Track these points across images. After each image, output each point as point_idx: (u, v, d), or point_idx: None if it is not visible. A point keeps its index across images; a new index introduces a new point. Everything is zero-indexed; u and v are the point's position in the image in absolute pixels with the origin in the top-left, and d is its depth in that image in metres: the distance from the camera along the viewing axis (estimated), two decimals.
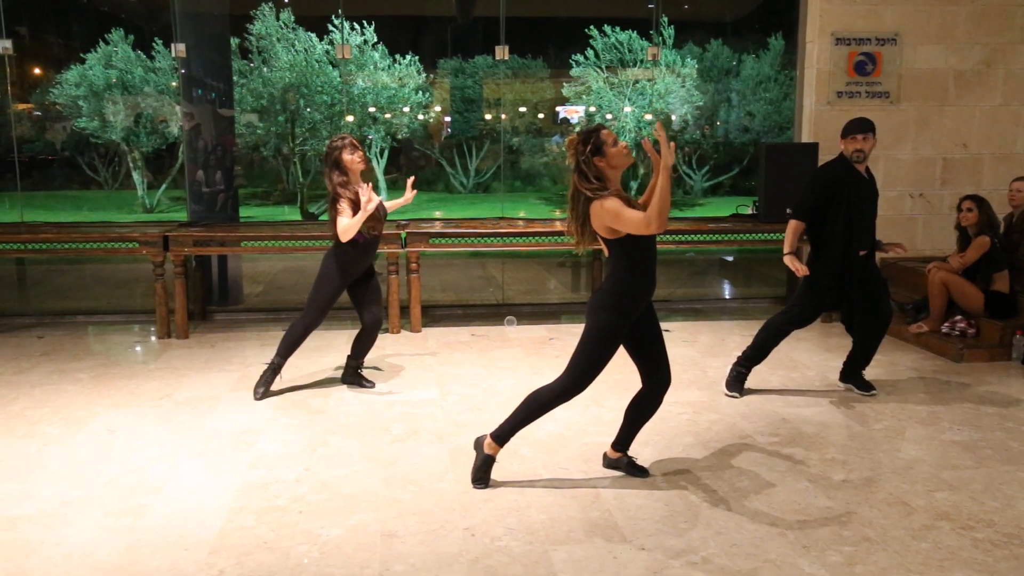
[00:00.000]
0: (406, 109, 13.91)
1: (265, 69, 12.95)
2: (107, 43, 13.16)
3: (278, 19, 12.72)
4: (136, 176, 14.03)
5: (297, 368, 5.69)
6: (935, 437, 4.43)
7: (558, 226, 7.10)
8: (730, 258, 10.49)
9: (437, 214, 13.63)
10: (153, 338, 6.59)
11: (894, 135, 7.55)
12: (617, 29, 13.97)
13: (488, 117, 15.72)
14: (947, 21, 7.45)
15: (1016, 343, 5.83)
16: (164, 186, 14.18)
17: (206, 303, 7.42)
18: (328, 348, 6.23)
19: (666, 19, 12.23)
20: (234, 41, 11.39)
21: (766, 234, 6.97)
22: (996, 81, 7.56)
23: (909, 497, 3.68)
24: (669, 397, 5.00)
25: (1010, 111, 7.43)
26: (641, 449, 4.16)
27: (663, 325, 6.88)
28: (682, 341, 6.44)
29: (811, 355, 6.04)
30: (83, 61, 13.18)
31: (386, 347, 6.19)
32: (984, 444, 4.32)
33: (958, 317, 6.01)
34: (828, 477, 3.90)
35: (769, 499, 3.65)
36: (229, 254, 7.60)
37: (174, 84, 12.02)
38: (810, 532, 3.35)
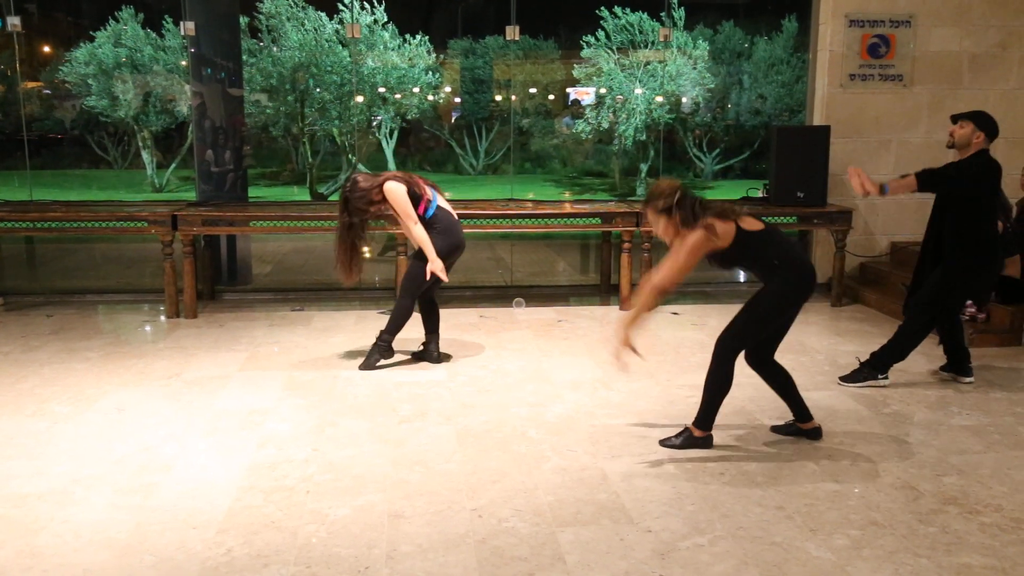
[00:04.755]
0: (416, 90, 13.84)
1: (275, 48, 12.90)
2: (117, 21, 13.12)
3: None
4: (145, 155, 14.03)
5: (306, 349, 5.71)
6: (943, 422, 4.41)
7: (567, 208, 7.08)
8: None
9: (446, 195, 13.59)
10: (162, 317, 6.61)
11: (907, 118, 7.49)
12: (628, 11, 13.86)
13: (498, 98, 15.65)
14: (963, 3, 7.37)
15: None
16: (173, 165, 14.17)
17: (215, 283, 7.44)
18: (336, 329, 6.24)
19: (676, 0, 12.12)
20: (243, 20, 11.34)
21: (776, 217, 6.92)
22: (1011, 64, 7.48)
23: (917, 481, 3.67)
24: (678, 380, 5.02)
25: (1020, 95, 7.35)
26: (648, 431, 4.16)
27: (672, 308, 6.92)
28: (691, 324, 6.42)
29: (820, 339, 6.02)
30: (92, 39, 13.15)
31: None
32: (993, 429, 4.30)
33: (968, 302, 5.97)
34: (836, 461, 3.89)
35: (776, 482, 3.65)
36: (238, 234, 7.60)
37: (183, 63, 11.99)
38: (817, 516, 3.35)
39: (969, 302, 5.94)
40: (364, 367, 5.20)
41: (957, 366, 5.09)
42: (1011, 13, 7.36)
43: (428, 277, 5.08)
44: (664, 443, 4.02)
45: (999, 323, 5.93)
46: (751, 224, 3.80)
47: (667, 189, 3.77)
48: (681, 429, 4.06)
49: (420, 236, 5.04)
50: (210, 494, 3.51)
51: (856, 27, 7.35)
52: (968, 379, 5.04)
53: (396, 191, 5.01)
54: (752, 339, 3.93)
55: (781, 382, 4.07)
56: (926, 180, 4.72)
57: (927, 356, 5.54)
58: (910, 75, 7.44)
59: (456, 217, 5.27)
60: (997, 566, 2.98)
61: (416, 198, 5.07)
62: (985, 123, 4.78)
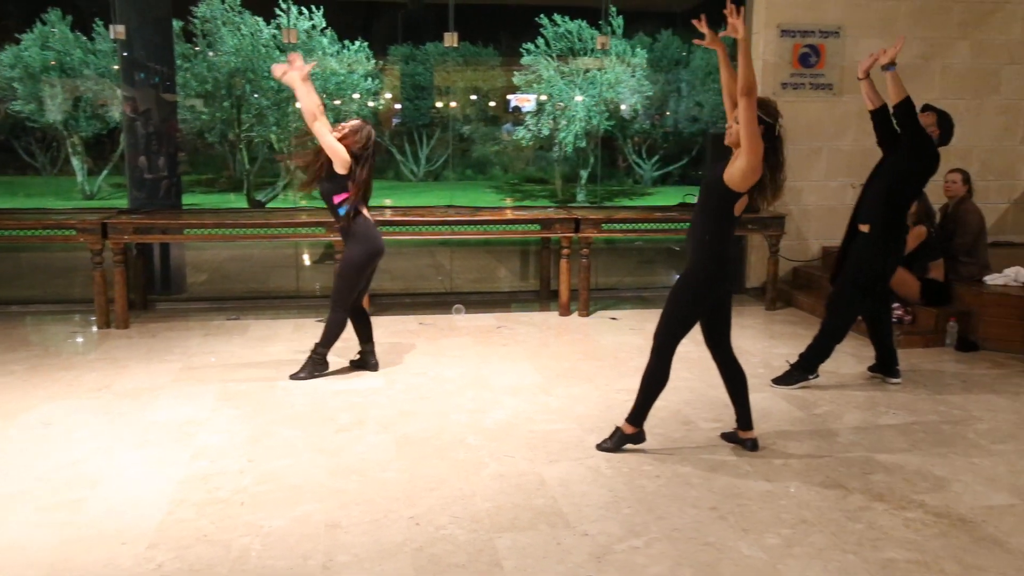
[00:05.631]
0: (356, 96, 13.76)
1: (210, 53, 12.70)
2: (44, 23, 12.78)
3: (223, 2, 12.47)
4: (75, 161, 13.68)
5: (242, 358, 5.63)
6: (872, 422, 4.54)
7: (507, 214, 7.10)
8: (678, 247, 10.58)
9: (387, 202, 13.52)
10: (93, 328, 6.44)
11: (837, 126, 7.69)
12: (567, 18, 13.98)
13: (439, 105, 15.64)
14: (887, 15, 7.60)
15: (950, 329, 6.00)
16: (105, 172, 13.84)
17: (147, 292, 7.28)
18: (274, 338, 6.16)
19: (615, 9, 12.26)
20: (177, 24, 11.13)
21: None
22: (934, 74, 7.74)
23: (846, 480, 3.77)
24: (616, 384, 5.06)
25: (947, 105, 7.52)
26: (587, 436, 4.19)
27: (610, 313, 6.99)
28: (629, 329, 6.49)
29: (755, 342, 6.14)
30: (18, 42, 12.78)
31: None
32: (918, 428, 4.44)
33: (895, 304, 6.15)
34: (768, 461, 3.97)
35: (710, 484, 3.71)
36: (172, 242, 7.46)
37: (115, 67, 11.72)
38: (750, 515, 3.41)
39: (896, 304, 6.12)
40: (296, 378, 5.13)
41: (885, 367, 5.24)
42: (933, 26, 7.62)
43: (279, 74, 4.93)
44: (600, 447, 4.05)
45: (924, 325, 6.12)
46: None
47: (775, 110, 3.82)
48: (613, 430, 4.10)
49: (320, 131, 4.89)
50: (140, 508, 3.43)
51: (788, 37, 7.53)
52: (895, 380, 5.19)
53: (357, 129, 4.96)
54: (684, 327, 3.90)
55: (734, 380, 4.09)
56: (898, 112, 4.83)
57: (856, 357, 5.69)
58: (839, 84, 7.64)
59: (374, 222, 5.17)
60: (920, 560, 3.07)
61: (343, 183, 4.94)
62: (945, 122, 5.01)
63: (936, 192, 6.49)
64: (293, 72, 4.91)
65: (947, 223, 6.39)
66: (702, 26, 3.85)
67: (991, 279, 6.19)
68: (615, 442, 4.03)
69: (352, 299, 5.17)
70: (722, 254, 3.85)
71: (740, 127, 3.65)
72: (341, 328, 5.17)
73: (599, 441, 4.10)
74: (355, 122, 5.05)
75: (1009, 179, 8.12)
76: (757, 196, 3.85)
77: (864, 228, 5.00)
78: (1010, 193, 8.14)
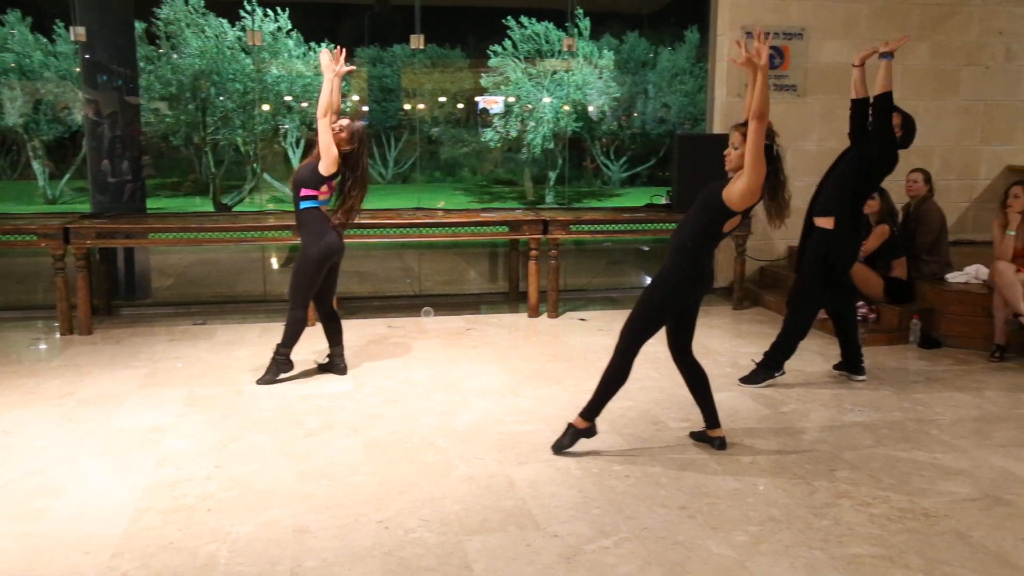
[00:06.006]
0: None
1: (174, 55, 12.55)
2: (3, 25, 12.56)
3: (187, 3, 12.33)
4: (36, 165, 13.45)
5: (209, 363, 5.57)
6: (838, 419, 4.59)
7: (481, 216, 7.09)
8: (646, 248, 10.66)
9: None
10: (56, 335, 6.34)
11: (801, 127, 7.78)
12: (534, 20, 13.99)
13: (407, 107, 15.59)
14: (850, 17, 7.71)
15: (913, 327, 6.08)
16: (67, 176, 13.63)
17: (111, 297, 7.18)
18: (241, 342, 6.10)
19: (582, 11, 12.30)
20: (140, 26, 10.99)
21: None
22: (895, 76, 7.76)
23: (812, 477, 3.81)
24: (585, 385, 5.06)
25: (908, 105, 7.64)
26: (555, 437, 4.19)
27: (579, 314, 7.01)
28: (597, 330, 6.51)
29: (723, 342, 6.19)
30: None
31: (301, 339, 6.07)
32: (882, 424, 4.50)
33: (860, 303, 6.23)
34: (736, 460, 4.00)
35: (680, 483, 3.73)
36: (136, 246, 7.36)
37: (77, 70, 11.55)
38: (718, 514, 3.43)
39: (861, 302, 6.20)
40: (262, 382, 5.09)
41: (850, 365, 5.30)
42: (894, 28, 7.73)
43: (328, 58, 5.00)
44: (556, 447, 4.04)
45: (888, 323, 6.21)
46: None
47: (772, 131, 3.87)
48: (565, 428, 4.09)
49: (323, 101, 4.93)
50: (104, 517, 3.38)
51: (752, 39, 7.58)
52: (861, 377, 5.26)
53: (354, 128, 5.01)
54: (652, 327, 3.92)
55: (697, 382, 4.12)
56: (878, 104, 4.91)
57: (823, 356, 5.75)
58: (803, 85, 7.73)
59: (328, 221, 5.10)
60: (885, 555, 3.11)
61: (318, 181, 4.95)
62: (908, 125, 5.10)
63: (898, 191, 6.59)
64: (334, 66, 4.99)
65: (909, 222, 6.49)
66: (742, 48, 3.88)
67: (953, 277, 6.29)
68: (569, 438, 4.04)
69: (310, 296, 5.13)
70: (700, 262, 3.88)
71: (746, 148, 3.70)
72: (302, 326, 5.14)
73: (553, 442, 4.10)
74: (344, 121, 5.02)
75: (969, 178, 8.27)
76: (767, 216, 3.95)
77: (820, 221, 5.06)
78: (970, 192, 8.29)
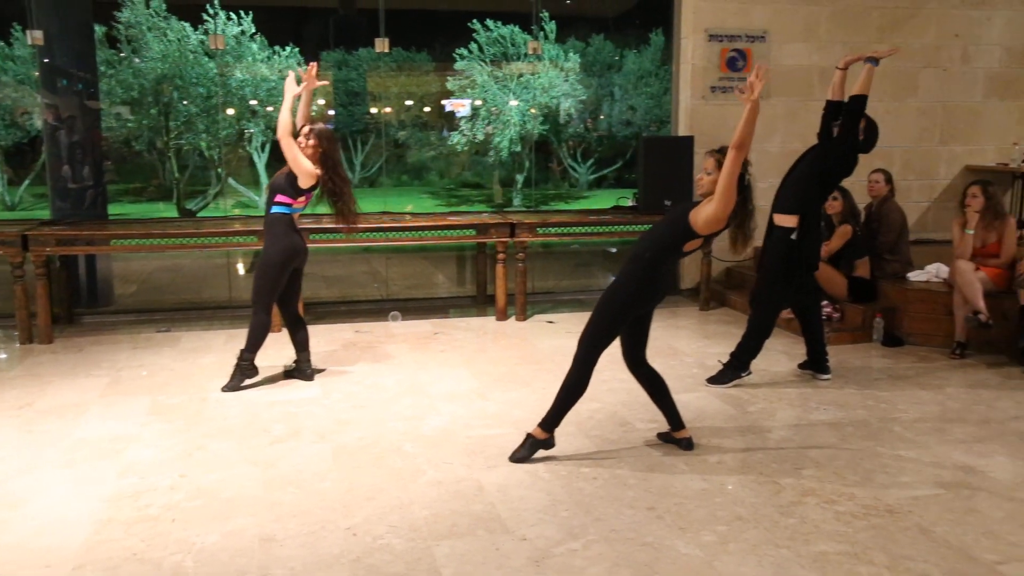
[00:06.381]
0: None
1: (135, 59, 12.38)
2: None
3: (148, 7, 12.17)
4: None
5: (173, 371, 5.50)
6: (804, 418, 4.64)
7: (450, 220, 7.07)
8: (613, 249, 10.69)
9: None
10: (15, 344, 6.22)
11: (764, 129, 7.84)
12: (499, 23, 14.00)
13: (374, 111, 15.51)
14: (811, 20, 7.80)
15: (876, 325, 6.16)
16: (27, 182, 13.39)
17: (72, 305, 7.06)
18: (205, 349, 6.03)
19: (547, 14, 12.33)
20: (100, 29, 10.82)
21: (646, 225, 7.11)
22: (855, 79, 7.94)
23: (778, 476, 3.84)
24: (553, 388, 5.04)
25: (868, 107, 7.80)
26: (520, 438, 4.18)
27: (547, 317, 7.02)
28: (566, 332, 6.52)
29: (689, 343, 6.23)
30: None
31: (268, 345, 6.01)
32: (847, 422, 4.55)
33: (824, 302, 6.30)
34: (704, 460, 4.03)
35: (647, 484, 3.75)
36: (97, 253, 7.25)
37: (36, 74, 11.36)
38: (686, 514, 3.45)
39: (825, 302, 6.27)
40: (227, 388, 5.04)
41: (816, 364, 5.36)
42: (853, 31, 7.84)
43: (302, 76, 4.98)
44: (513, 457, 4.01)
45: (852, 321, 6.29)
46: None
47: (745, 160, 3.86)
48: (524, 439, 4.06)
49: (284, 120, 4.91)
50: (66, 529, 3.32)
51: (715, 42, 7.67)
52: (826, 376, 5.31)
53: (319, 132, 4.95)
54: (609, 335, 3.92)
55: (655, 388, 4.15)
56: (852, 104, 4.97)
57: (788, 355, 5.81)
58: (766, 88, 7.77)
59: (296, 227, 5.11)
60: (850, 551, 3.14)
61: (297, 192, 4.93)
62: (871, 130, 5.16)
63: (860, 192, 6.68)
64: (295, 87, 4.97)
65: (871, 222, 6.57)
66: (748, 89, 3.82)
67: (914, 276, 6.39)
68: (528, 449, 4.00)
69: (273, 300, 5.09)
70: (655, 274, 3.87)
71: (721, 175, 3.71)
72: (265, 331, 5.09)
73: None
74: (305, 129, 4.97)
75: (929, 178, 8.40)
76: (730, 243, 3.98)
77: (779, 219, 5.10)
78: (930, 192, 8.42)
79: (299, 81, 5.00)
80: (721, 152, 3.82)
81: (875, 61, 4.98)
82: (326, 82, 5.17)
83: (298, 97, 4.98)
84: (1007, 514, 3.46)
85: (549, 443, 4.03)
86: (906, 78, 8.11)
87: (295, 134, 4.91)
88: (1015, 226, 5.88)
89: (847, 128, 4.99)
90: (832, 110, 5.14)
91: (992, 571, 3.02)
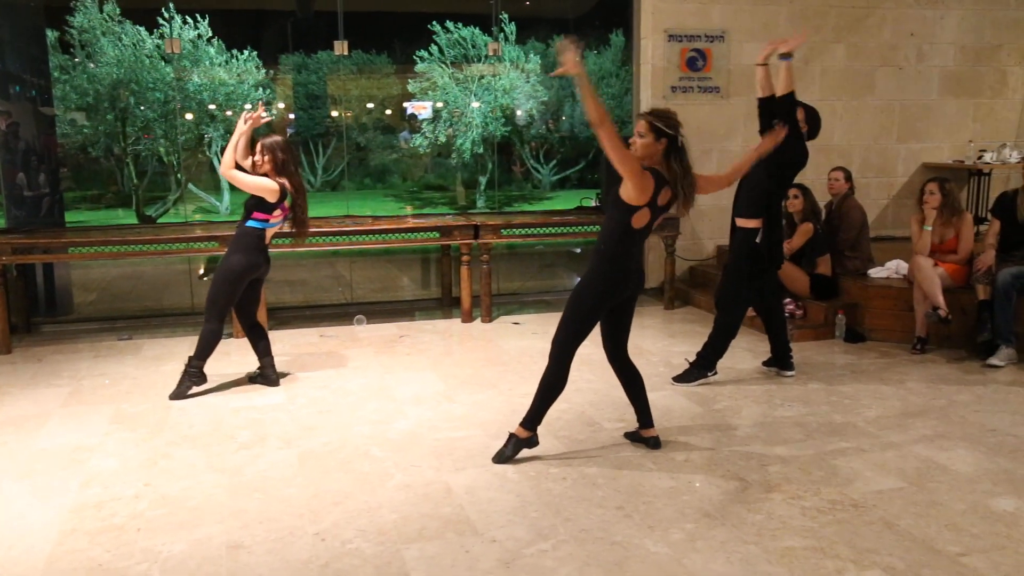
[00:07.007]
0: (247, 106, 13.42)
1: (90, 64, 12.18)
2: None
3: (102, 11, 11.98)
4: None
5: (135, 380, 5.42)
6: (769, 414, 4.69)
7: (410, 222, 7.04)
8: (578, 250, 10.73)
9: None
10: None
11: (726, 128, 7.93)
12: (460, 25, 13.99)
13: (334, 114, 15.41)
14: (769, 20, 7.89)
15: (838, 322, 6.25)
16: None
17: (31, 315, 6.92)
18: (168, 356, 5.95)
19: (507, 16, 12.35)
20: (52, 34, 10.65)
21: None
22: (814, 76, 8.08)
23: (745, 472, 3.88)
24: (520, 389, 5.07)
25: (827, 105, 7.93)
26: (492, 442, 4.18)
27: (513, 318, 7.02)
28: (531, 333, 6.53)
29: (655, 342, 6.27)
30: None
31: (231, 352, 5.96)
32: (812, 418, 4.61)
33: (787, 300, 6.38)
34: (671, 458, 4.05)
35: (616, 483, 3.76)
36: (55, 261, 7.12)
37: None
38: (654, 512, 3.47)
39: (788, 299, 6.34)
40: (174, 396, 4.97)
41: (780, 361, 5.42)
42: (811, 29, 7.95)
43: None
44: (497, 458, 4.02)
45: (815, 318, 6.37)
46: (664, 198, 3.83)
47: (676, 122, 3.86)
48: (507, 439, 4.07)
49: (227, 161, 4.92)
50: (28, 541, 3.26)
51: (675, 42, 7.73)
52: (790, 373, 5.38)
53: (267, 145, 4.93)
54: (582, 333, 3.91)
55: (631, 382, 4.16)
56: (782, 104, 4.97)
57: (752, 352, 5.87)
58: (726, 87, 7.89)
59: (268, 242, 5.11)
60: (816, 546, 3.18)
61: (269, 207, 4.92)
62: (813, 118, 5.19)
63: (820, 190, 6.77)
64: (242, 122, 5.01)
65: (832, 219, 6.67)
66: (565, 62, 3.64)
67: (875, 272, 6.49)
68: (512, 448, 4.01)
69: (227, 310, 5.05)
70: (618, 262, 3.87)
71: (607, 154, 3.70)
72: (216, 338, 5.04)
73: (499, 446, 4.07)
74: (257, 147, 4.96)
75: (888, 176, 8.54)
76: (674, 204, 3.94)
77: (740, 222, 5.15)
78: (889, 189, 8.57)
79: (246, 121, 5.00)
80: (652, 115, 3.84)
81: (788, 56, 5.00)
82: (269, 119, 5.25)
83: (244, 135, 4.99)
84: (968, 506, 3.53)
85: (532, 441, 4.03)
86: (863, 77, 8.25)
87: (240, 167, 4.95)
88: (972, 222, 6.00)
89: (788, 123, 5.03)
90: (765, 107, 5.17)
91: (955, 563, 3.07)
